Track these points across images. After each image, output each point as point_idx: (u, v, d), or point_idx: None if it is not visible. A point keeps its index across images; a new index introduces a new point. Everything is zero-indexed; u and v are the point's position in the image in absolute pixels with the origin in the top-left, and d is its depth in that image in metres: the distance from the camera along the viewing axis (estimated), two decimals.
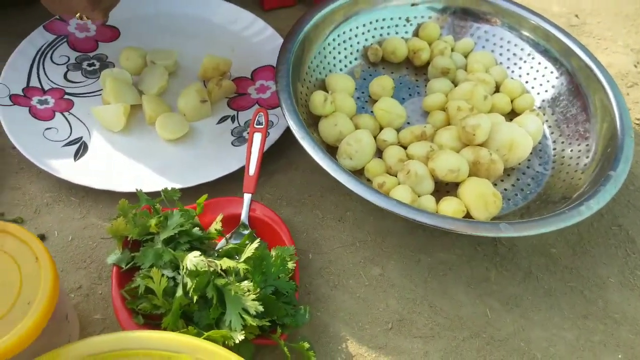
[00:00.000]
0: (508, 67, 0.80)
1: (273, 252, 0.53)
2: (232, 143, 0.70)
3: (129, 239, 0.54)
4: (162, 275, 0.49)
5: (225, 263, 0.49)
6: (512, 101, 0.76)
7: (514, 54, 0.80)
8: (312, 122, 0.68)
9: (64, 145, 0.66)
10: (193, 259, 0.48)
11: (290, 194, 0.67)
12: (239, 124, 0.72)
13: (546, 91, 0.77)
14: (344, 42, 0.78)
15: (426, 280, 0.61)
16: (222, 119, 0.72)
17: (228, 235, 0.58)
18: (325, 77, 0.74)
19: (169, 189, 0.57)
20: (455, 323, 0.58)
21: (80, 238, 0.60)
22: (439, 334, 0.57)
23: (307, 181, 0.68)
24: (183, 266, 0.49)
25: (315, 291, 0.58)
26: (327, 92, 0.70)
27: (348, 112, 0.69)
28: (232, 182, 0.64)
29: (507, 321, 0.58)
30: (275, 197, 0.66)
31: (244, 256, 0.51)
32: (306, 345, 0.50)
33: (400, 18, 0.81)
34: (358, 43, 0.79)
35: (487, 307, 0.59)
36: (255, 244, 0.51)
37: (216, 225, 0.56)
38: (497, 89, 0.77)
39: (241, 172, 0.64)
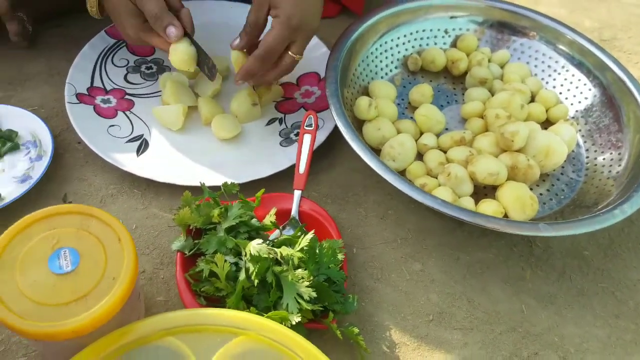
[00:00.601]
0: (543, 79, 0.83)
1: (324, 244, 0.57)
2: (280, 143, 0.74)
3: (191, 227, 0.59)
4: (225, 260, 0.54)
5: (285, 251, 0.53)
6: (546, 111, 0.79)
7: (549, 66, 0.83)
8: (356, 125, 0.72)
9: (126, 142, 0.71)
10: (256, 246, 0.53)
11: (335, 192, 0.71)
12: (286, 125, 0.77)
13: (579, 102, 0.80)
14: (386, 51, 0.82)
15: (465, 277, 0.64)
16: (271, 121, 0.77)
17: (281, 227, 0.62)
18: (368, 83, 0.78)
19: (229, 183, 0.61)
20: (493, 317, 0.61)
21: (144, 227, 0.64)
22: (477, 327, 0.60)
23: (350, 181, 0.72)
24: (246, 252, 0.53)
25: (360, 283, 0.62)
26: (370, 97, 0.74)
27: (390, 117, 0.73)
28: (281, 180, 0.68)
29: (542, 317, 0.61)
30: (321, 195, 0.70)
31: (299, 246, 0.55)
32: (355, 330, 0.54)
33: (439, 30, 0.85)
34: (399, 52, 0.83)
35: (523, 303, 0.62)
36: (310, 235, 0.55)
37: (271, 218, 0.60)
38: (532, 99, 0.80)
39: (289, 170, 0.68)
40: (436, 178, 0.68)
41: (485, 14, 0.85)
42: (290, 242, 0.57)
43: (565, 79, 0.82)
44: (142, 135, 0.72)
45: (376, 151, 0.71)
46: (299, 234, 0.59)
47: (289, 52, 0.68)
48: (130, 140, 0.71)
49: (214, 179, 0.67)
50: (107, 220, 0.48)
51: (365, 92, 0.78)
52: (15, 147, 0.69)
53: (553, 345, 0.59)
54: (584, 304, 0.63)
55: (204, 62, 0.70)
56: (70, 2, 0.85)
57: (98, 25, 0.83)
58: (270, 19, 0.67)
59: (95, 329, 0.44)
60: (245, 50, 0.70)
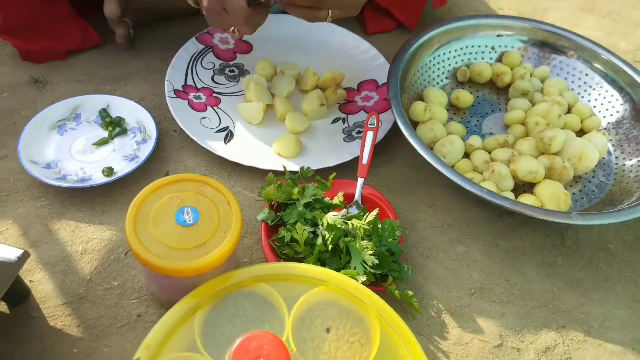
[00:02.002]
0: (579, 93, 0.93)
1: (385, 221, 0.68)
2: (343, 140, 0.85)
3: (273, 203, 0.70)
4: (304, 229, 0.65)
5: (355, 222, 0.64)
6: (581, 122, 0.88)
7: (585, 83, 0.93)
8: (411, 127, 0.83)
9: (216, 132, 0.83)
10: (332, 217, 0.64)
11: (390, 184, 0.81)
12: (348, 124, 0.88)
13: (612, 115, 0.89)
14: (439, 63, 0.93)
15: (503, 261, 0.74)
16: (335, 120, 0.89)
17: (348, 206, 0.73)
18: (422, 91, 0.89)
19: (305, 168, 0.73)
20: (527, 295, 0.70)
21: None
22: (514, 302, 0.69)
23: (404, 175, 0.83)
24: (322, 223, 0.65)
25: (412, 260, 0.72)
26: (424, 103, 0.85)
27: (441, 120, 0.84)
28: (344, 171, 0.79)
29: (571, 297, 0.71)
30: (379, 185, 0.81)
31: (366, 220, 0.66)
32: (410, 293, 0.65)
33: (487, 46, 0.96)
34: (450, 65, 0.94)
35: (554, 285, 0.72)
36: (375, 212, 0.66)
37: (340, 199, 0.71)
38: (569, 111, 0.90)
39: (352, 162, 0.79)
40: (481, 174, 0.78)
41: (530, 33, 0.95)
42: (357, 219, 0.68)
43: (600, 94, 0.91)
44: (228, 127, 0.84)
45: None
46: (361, 213, 0.71)
47: (329, 12, 0.70)
48: (218, 131, 0.83)
49: (287, 165, 0.79)
50: (218, 187, 0.60)
51: (420, 97, 0.88)
52: (123, 132, 0.82)
53: (579, 320, 0.68)
54: (608, 289, 0.72)
55: None
56: (166, 12, 0.99)
57: (186, 31, 0.96)
58: None
59: (211, 270, 0.55)
60: None
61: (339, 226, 0.64)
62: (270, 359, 0.35)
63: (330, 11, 0.71)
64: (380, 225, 0.67)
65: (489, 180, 0.76)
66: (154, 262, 0.54)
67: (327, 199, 0.70)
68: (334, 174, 0.73)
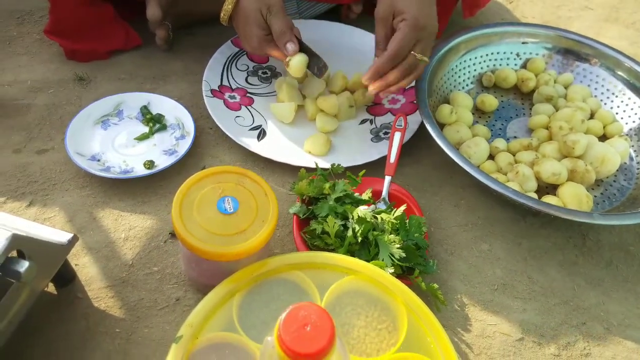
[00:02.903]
0: (601, 100, 0.95)
1: (411, 217, 0.71)
2: (371, 140, 0.89)
3: (304, 197, 0.74)
4: (335, 222, 0.68)
5: (384, 216, 0.67)
6: (604, 127, 0.90)
7: (607, 89, 0.95)
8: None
9: (249, 130, 0.87)
10: (362, 210, 0.67)
11: (415, 183, 0.84)
12: (375, 125, 0.91)
13: (634, 121, 0.91)
14: (465, 68, 0.96)
15: (526, 259, 0.76)
16: (363, 121, 0.92)
17: (376, 202, 0.76)
18: (448, 94, 0.92)
19: (336, 165, 0.76)
20: (548, 292, 0.73)
21: None
22: (535, 298, 0.72)
23: (429, 174, 0.85)
24: (352, 216, 0.68)
25: (437, 255, 0.75)
26: (450, 105, 0.88)
27: (467, 122, 0.87)
28: (371, 169, 0.82)
29: (591, 295, 0.73)
30: (404, 183, 0.84)
31: (394, 215, 0.69)
32: (435, 285, 0.67)
33: (511, 53, 0.98)
34: (475, 70, 0.97)
35: (575, 284, 0.74)
36: (402, 208, 0.70)
37: (368, 194, 0.74)
38: (591, 116, 0.92)
39: (379, 161, 0.83)
40: (505, 175, 0.81)
41: (554, 41, 0.97)
42: (384, 212, 0.72)
43: (622, 101, 0.93)
44: (260, 126, 0.88)
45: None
46: (389, 209, 0.74)
47: (412, 52, 0.75)
48: (252, 129, 0.87)
49: (318, 162, 0.82)
50: (256, 179, 0.64)
51: (446, 100, 0.91)
52: (163, 128, 0.86)
53: (599, 318, 0.70)
54: (628, 288, 0.74)
55: (314, 64, 0.84)
56: (202, 16, 1.03)
57: (220, 35, 1.01)
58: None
59: (250, 255, 0.59)
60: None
61: (368, 219, 0.67)
62: (316, 325, 0.38)
63: (415, 54, 0.76)
64: (407, 221, 0.70)
65: (513, 181, 0.79)
66: (198, 245, 0.58)
67: (356, 195, 0.73)
68: (363, 171, 0.76)
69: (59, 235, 0.64)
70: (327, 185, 0.72)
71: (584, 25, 1.20)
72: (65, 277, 0.68)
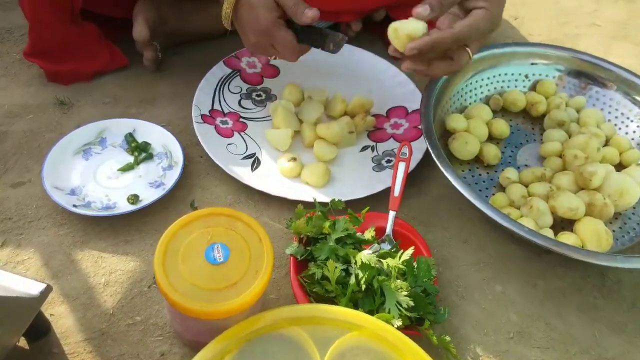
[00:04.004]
0: (616, 125, 0.89)
1: (420, 259, 0.65)
2: (373, 169, 0.83)
3: (302, 236, 0.68)
4: (336, 266, 0.62)
5: (391, 262, 0.61)
6: (619, 154, 0.85)
7: (622, 114, 0.89)
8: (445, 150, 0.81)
9: (242, 158, 0.81)
10: (366, 256, 0.61)
11: (421, 216, 0.78)
12: (377, 153, 0.86)
13: None
14: (470, 91, 0.90)
15: (542, 302, 0.70)
16: (364, 148, 0.86)
17: (379, 240, 0.70)
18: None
19: (336, 199, 0.70)
20: (568, 339, 0.67)
21: None
22: (553, 347, 0.66)
23: (435, 207, 0.80)
24: (355, 261, 0.62)
25: (446, 299, 0.69)
26: (453, 133, 0.82)
27: (479, 135, 0.83)
28: (374, 201, 0.77)
29: (614, 343, 0.67)
30: (410, 217, 0.78)
31: (400, 259, 0.63)
32: (447, 338, 0.61)
33: (520, 74, 0.93)
34: (482, 93, 0.91)
35: (595, 329, 0.68)
36: (410, 251, 0.64)
37: (371, 233, 0.68)
38: (606, 143, 0.86)
39: (382, 193, 0.77)
40: (518, 209, 0.75)
41: (565, 62, 0.92)
42: (389, 256, 0.66)
43: (638, 126, 0.88)
44: (254, 154, 0.82)
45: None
46: (393, 249, 0.68)
47: (467, 49, 0.65)
48: (245, 157, 0.81)
49: (316, 195, 0.76)
50: (249, 222, 0.58)
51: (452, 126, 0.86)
52: (149, 157, 0.80)
53: None
54: None
55: (330, 40, 0.70)
56: (193, 35, 0.97)
57: (212, 55, 0.95)
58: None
59: (242, 312, 0.53)
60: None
61: (373, 265, 0.61)
62: None
63: (469, 50, 0.65)
64: (414, 264, 0.64)
65: (527, 217, 0.73)
66: (183, 303, 0.51)
67: (358, 234, 0.67)
68: (367, 208, 0.70)
69: (30, 286, 0.57)
70: (326, 224, 0.66)
71: (592, 43, 1.15)
72: (39, 330, 0.62)
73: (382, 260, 0.62)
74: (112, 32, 0.94)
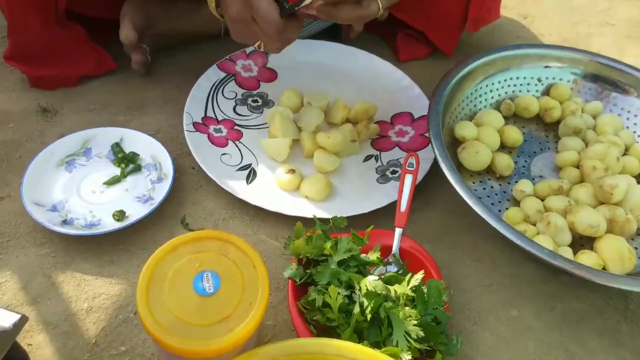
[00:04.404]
0: (634, 132, 0.84)
1: (431, 284, 0.59)
2: (377, 180, 0.77)
3: (301, 257, 0.62)
4: (338, 293, 0.57)
5: (400, 289, 0.56)
6: None
7: None
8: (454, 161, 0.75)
9: (237, 170, 0.76)
10: (372, 282, 0.56)
11: (430, 231, 0.73)
12: (382, 163, 0.80)
13: None
14: (480, 96, 0.85)
15: (561, 327, 0.65)
16: (367, 158, 0.81)
17: (385, 261, 0.65)
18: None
19: (338, 217, 0.65)
20: None
21: None
22: None
23: (444, 221, 0.74)
24: (360, 287, 0.57)
25: (458, 325, 0.64)
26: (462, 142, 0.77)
27: (490, 145, 0.77)
28: (378, 216, 0.72)
29: None
30: (417, 233, 0.73)
31: (408, 285, 0.58)
32: None
33: (532, 78, 0.87)
34: (492, 97, 0.86)
35: (619, 357, 0.63)
36: (420, 276, 0.58)
37: (376, 254, 0.63)
38: (625, 151, 0.81)
39: (388, 207, 0.72)
40: (534, 225, 0.70)
41: (581, 65, 0.86)
42: (397, 280, 0.60)
43: None
44: (250, 165, 0.77)
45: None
46: (400, 271, 0.63)
47: (379, 3, 0.63)
48: (240, 169, 0.76)
49: (317, 211, 0.71)
50: (243, 247, 0.52)
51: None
52: (137, 169, 0.75)
53: None
54: None
55: None
56: (185, 36, 0.92)
57: (206, 56, 0.90)
58: None
59: (235, 348, 0.48)
60: None
61: (379, 292, 0.55)
62: None
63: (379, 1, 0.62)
64: (424, 288, 0.59)
65: (544, 234, 0.68)
66: (168, 341, 0.46)
67: (362, 256, 0.62)
68: (371, 227, 0.65)
69: (2, 317, 0.52)
70: (327, 244, 0.61)
71: (605, 43, 1.10)
72: None
73: (389, 286, 0.57)
74: (100, 33, 0.88)
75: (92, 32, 0.87)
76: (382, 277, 0.61)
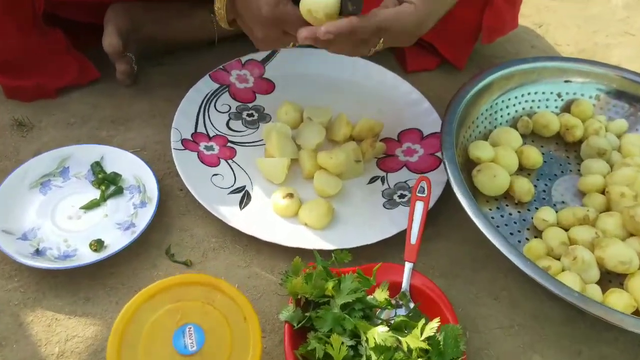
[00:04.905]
0: None
1: (446, 332, 0.53)
2: (383, 205, 0.71)
3: (299, 296, 0.55)
4: (342, 343, 0.50)
5: (412, 342, 0.49)
6: None
7: None
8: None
9: (229, 193, 0.69)
10: (381, 334, 0.49)
11: (442, 264, 0.66)
12: (388, 185, 0.73)
13: None
14: (496, 112, 0.78)
15: None
16: (372, 180, 0.74)
17: (394, 301, 0.58)
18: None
19: (340, 251, 0.58)
20: None
21: (246, 287, 0.62)
22: None
23: (458, 253, 0.67)
24: (367, 338, 0.50)
25: None
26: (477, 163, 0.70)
27: (508, 167, 0.71)
28: (385, 245, 0.65)
29: None
30: (427, 266, 0.66)
31: (423, 334, 0.51)
32: None
33: (552, 93, 0.81)
34: (508, 114, 0.79)
35: None
36: (435, 324, 0.51)
37: (384, 294, 0.56)
38: None
39: (396, 237, 0.65)
40: (558, 259, 0.63)
41: (604, 80, 0.80)
42: (407, 325, 0.53)
43: None
44: (244, 187, 0.70)
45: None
46: (411, 313, 0.56)
47: (380, 41, 0.58)
48: (233, 192, 0.69)
49: (316, 241, 0.64)
50: (232, 295, 0.45)
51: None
52: (118, 192, 0.68)
53: None
54: None
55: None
56: (175, 43, 0.85)
57: (198, 65, 0.83)
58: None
59: None
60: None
61: (389, 344, 0.48)
62: None
63: (381, 41, 0.58)
64: (438, 335, 0.52)
65: (570, 269, 0.61)
66: None
67: (369, 298, 0.55)
68: (378, 265, 0.58)
69: None
70: (329, 284, 0.54)
71: (625, 54, 1.03)
72: None
73: (400, 337, 0.50)
74: (82, 40, 0.81)
75: (75, 38, 0.80)
76: (391, 321, 0.54)
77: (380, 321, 0.54)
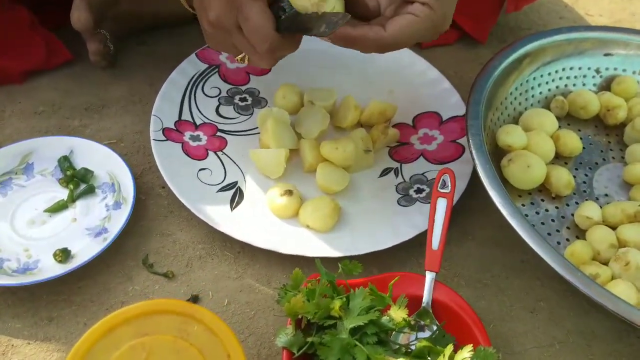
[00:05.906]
0: None
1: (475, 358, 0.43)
2: (398, 202, 0.61)
3: (300, 316, 0.46)
4: None
5: None
6: None
7: None
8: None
9: (218, 191, 0.59)
10: None
11: (469, 271, 0.57)
12: (403, 178, 0.63)
13: None
14: (526, 91, 0.68)
15: None
16: (385, 172, 0.64)
17: (412, 320, 0.48)
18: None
19: (348, 261, 0.48)
20: None
21: (237, 303, 0.52)
22: None
23: (487, 257, 0.58)
24: None
25: None
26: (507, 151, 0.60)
27: (544, 155, 0.61)
28: (400, 249, 0.55)
29: None
30: (451, 274, 0.56)
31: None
32: None
33: (589, 68, 0.70)
34: (540, 93, 0.69)
35: None
36: (467, 354, 0.42)
37: (403, 313, 0.46)
38: None
39: (414, 240, 0.55)
40: (606, 264, 0.53)
41: None
42: (431, 351, 0.44)
43: None
44: (236, 183, 0.60)
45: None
46: (434, 335, 0.46)
47: None
48: (222, 189, 0.60)
49: (320, 247, 0.55)
50: (213, 326, 0.36)
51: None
52: (89, 190, 0.58)
53: None
54: None
55: (322, 20, 0.47)
56: (156, 19, 0.75)
57: (185, 44, 0.73)
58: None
59: None
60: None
61: None
62: None
63: None
64: None
65: (622, 278, 0.51)
66: None
67: (384, 319, 0.45)
68: (396, 279, 0.48)
69: None
70: (336, 303, 0.44)
71: None
72: None
73: None
74: (52, 17, 0.72)
75: (42, 15, 0.70)
76: (412, 345, 0.45)
77: (397, 346, 0.45)
